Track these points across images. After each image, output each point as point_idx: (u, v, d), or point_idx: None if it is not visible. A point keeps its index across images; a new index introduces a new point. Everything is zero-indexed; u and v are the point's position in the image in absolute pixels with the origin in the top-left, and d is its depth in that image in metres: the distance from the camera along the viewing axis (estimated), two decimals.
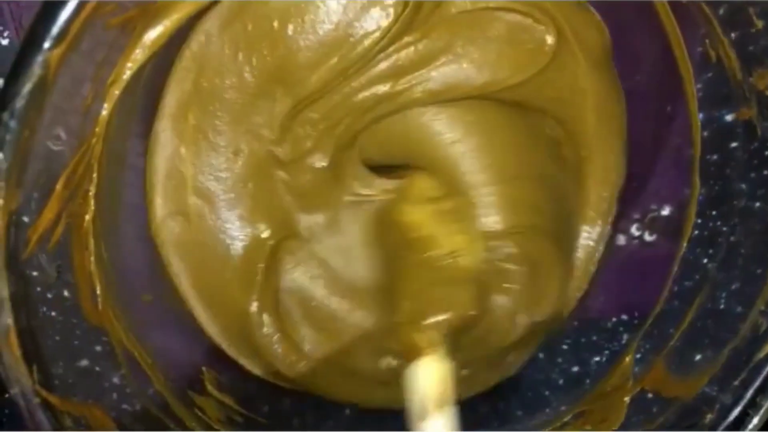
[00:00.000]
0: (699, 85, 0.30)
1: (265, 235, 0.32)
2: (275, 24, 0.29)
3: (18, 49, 0.20)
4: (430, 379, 0.27)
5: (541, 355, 0.35)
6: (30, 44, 0.19)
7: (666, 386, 0.31)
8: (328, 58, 0.29)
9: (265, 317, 0.32)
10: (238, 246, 0.32)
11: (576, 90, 0.32)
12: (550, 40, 0.30)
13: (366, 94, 0.30)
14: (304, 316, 0.33)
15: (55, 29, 0.19)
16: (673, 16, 0.28)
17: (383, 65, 0.30)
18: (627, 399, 0.32)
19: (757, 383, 0.28)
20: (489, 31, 0.30)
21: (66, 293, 0.26)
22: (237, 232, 0.32)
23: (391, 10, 0.29)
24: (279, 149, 0.31)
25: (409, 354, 0.28)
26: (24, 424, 0.24)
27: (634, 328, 0.33)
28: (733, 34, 0.26)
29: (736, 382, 0.28)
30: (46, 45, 0.19)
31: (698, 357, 0.30)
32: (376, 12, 0.29)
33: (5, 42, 0.35)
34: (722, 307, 0.30)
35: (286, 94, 0.30)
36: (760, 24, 0.25)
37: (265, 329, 0.32)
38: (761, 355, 0.27)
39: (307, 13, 0.29)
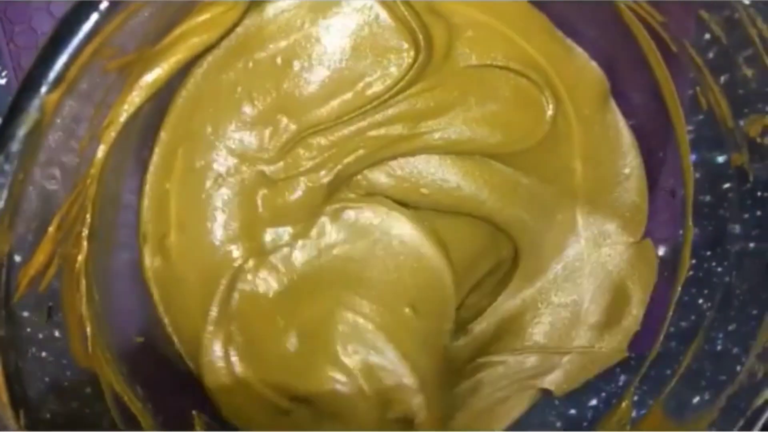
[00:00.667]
0: (691, 127, 0.30)
1: (236, 255, 0.32)
2: (278, 60, 0.29)
3: (15, 90, 0.19)
4: None
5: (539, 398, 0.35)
6: (27, 88, 0.19)
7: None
8: (340, 93, 0.30)
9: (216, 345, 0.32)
10: (206, 273, 0.32)
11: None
12: (549, 110, 0.31)
13: (382, 131, 0.31)
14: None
15: (52, 74, 0.19)
16: (664, 64, 0.29)
17: (401, 107, 0.31)
18: None
19: (755, 430, 0.27)
20: (498, 91, 0.31)
21: (56, 334, 0.25)
22: (208, 259, 0.32)
23: (405, 55, 0.30)
24: (271, 168, 0.31)
25: None
26: None
27: (631, 369, 0.33)
28: (722, 79, 0.26)
29: (735, 430, 0.28)
30: (43, 89, 0.19)
31: (696, 401, 0.29)
32: (391, 55, 0.30)
33: (3, 81, 0.35)
34: (719, 348, 0.29)
35: (292, 121, 0.30)
36: (749, 72, 0.25)
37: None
38: (759, 401, 0.27)
39: (314, 52, 0.30)
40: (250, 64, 0.30)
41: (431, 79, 0.31)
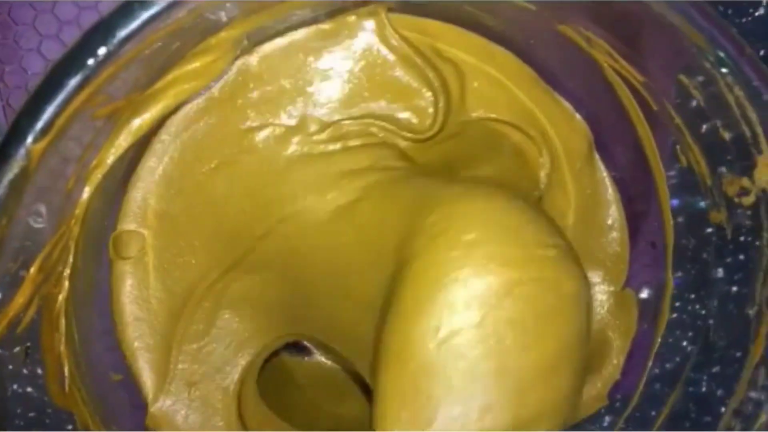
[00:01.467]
0: (673, 173, 0.30)
1: (213, 275, 0.31)
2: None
3: (2, 136, 0.20)
4: None
5: None
6: (13, 137, 0.20)
7: None
8: None
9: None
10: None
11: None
12: (547, 167, 0.32)
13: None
14: None
15: (40, 124, 0.20)
16: (645, 120, 0.29)
17: (432, 154, 0.31)
18: None
19: None
20: (502, 146, 0.32)
21: (38, 372, 0.25)
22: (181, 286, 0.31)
23: (424, 96, 0.31)
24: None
25: None
26: None
27: (616, 411, 0.33)
28: (701, 139, 0.27)
29: None
30: (30, 138, 0.19)
31: None
32: (408, 98, 0.31)
33: None
34: (704, 390, 0.30)
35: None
36: (726, 135, 0.26)
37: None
38: None
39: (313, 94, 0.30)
40: (255, 93, 0.30)
41: (454, 126, 0.31)
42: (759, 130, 0.25)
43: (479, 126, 0.32)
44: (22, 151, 0.20)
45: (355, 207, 0.30)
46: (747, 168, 0.26)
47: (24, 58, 0.35)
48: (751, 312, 0.28)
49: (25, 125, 0.20)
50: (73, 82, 0.19)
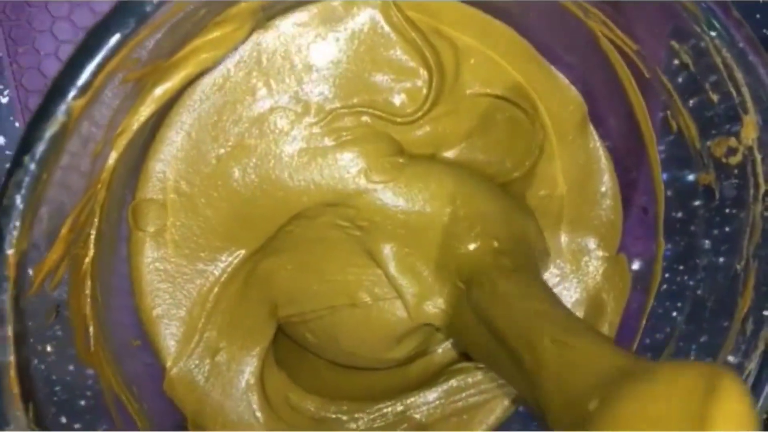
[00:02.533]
0: (662, 147, 0.32)
1: (238, 257, 0.33)
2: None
3: (44, 94, 0.21)
4: None
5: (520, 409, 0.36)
6: (55, 92, 0.21)
7: None
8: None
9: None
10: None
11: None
12: (539, 138, 0.34)
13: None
14: None
15: (81, 80, 0.21)
16: (638, 89, 0.31)
17: (425, 129, 0.33)
18: None
19: None
20: (497, 120, 0.33)
21: (62, 332, 0.26)
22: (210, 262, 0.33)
23: (419, 74, 0.32)
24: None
25: None
26: None
27: None
28: (691, 103, 0.29)
29: None
30: (72, 94, 0.21)
31: None
32: (404, 75, 0.32)
33: (4, 100, 0.36)
34: (692, 359, 0.31)
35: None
36: (714, 97, 0.28)
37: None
38: None
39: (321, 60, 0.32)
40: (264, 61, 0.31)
41: (448, 104, 0.32)
42: (745, 90, 0.26)
43: (473, 102, 0.33)
44: (63, 106, 0.21)
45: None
46: (734, 128, 0.28)
47: (36, 39, 0.36)
48: (739, 267, 0.30)
49: (66, 82, 0.21)
50: (113, 40, 0.20)
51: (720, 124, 0.28)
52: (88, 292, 0.28)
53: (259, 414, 0.33)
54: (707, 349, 0.30)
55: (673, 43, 0.27)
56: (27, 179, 0.21)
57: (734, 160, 0.29)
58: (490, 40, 0.33)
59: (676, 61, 0.28)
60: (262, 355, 0.33)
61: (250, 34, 0.29)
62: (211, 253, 0.32)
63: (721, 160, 0.29)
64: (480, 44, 0.33)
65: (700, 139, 0.30)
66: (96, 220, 0.28)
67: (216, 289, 0.32)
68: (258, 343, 0.33)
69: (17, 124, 0.36)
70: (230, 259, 0.32)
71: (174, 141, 0.31)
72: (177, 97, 0.30)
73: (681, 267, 0.32)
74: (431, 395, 0.34)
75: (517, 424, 0.36)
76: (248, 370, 0.33)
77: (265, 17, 0.29)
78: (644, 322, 0.33)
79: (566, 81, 0.34)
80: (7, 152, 0.36)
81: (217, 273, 0.32)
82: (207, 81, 0.30)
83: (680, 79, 0.28)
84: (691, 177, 0.31)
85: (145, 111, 0.27)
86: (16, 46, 0.36)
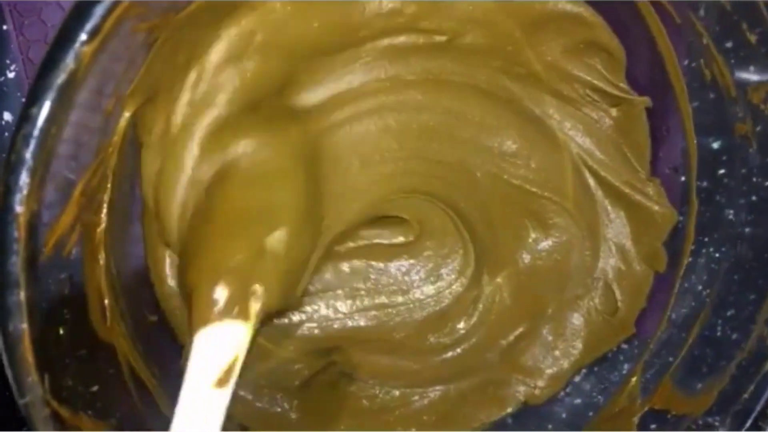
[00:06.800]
0: (696, 104, 0.30)
1: None
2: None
3: (51, 41, 0.20)
4: (220, 349, 0.24)
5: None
6: (63, 38, 0.20)
7: (674, 404, 0.31)
8: None
9: None
10: None
11: None
12: None
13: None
14: None
15: (89, 25, 0.20)
16: (667, 36, 0.30)
17: None
18: (635, 419, 0.32)
19: (766, 394, 0.28)
20: None
21: (77, 302, 0.25)
22: None
23: None
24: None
25: (204, 311, 0.25)
26: None
27: (633, 357, 0.33)
28: (726, 46, 0.27)
29: (746, 395, 0.28)
30: (82, 38, 0.20)
31: (703, 380, 0.30)
32: None
33: (12, 75, 0.35)
34: (719, 334, 0.30)
35: None
36: (752, 39, 0.26)
37: None
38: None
39: None
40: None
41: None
42: None
43: None
44: (72, 53, 0.20)
45: None
46: None
47: (43, 10, 0.35)
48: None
49: (74, 26, 0.20)
50: None
51: (758, 68, 0.27)
52: (102, 263, 0.27)
53: None
54: (735, 323, 0.29)
55: None
56: (35, 132, 0.20)
57: None
58: None
59: (712, 3, 0.27)
60: None
61: None
62: None
63: (759, 106, 0.28)
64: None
65: (736, 87, 0.28)
66: (109, 185, 0.26)
67: None
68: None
69: (24, 100, 0.35)
70: None
71: None
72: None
73: (706, 239, 0.31)
74: None
75: (517, 423, 0.35)
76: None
77: None
78: (672, 297, 0.32)
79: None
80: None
81: None
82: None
83: (715, 22, 0.27)
84: (716, 145, 0.30)
85: (156, 70, 0.25)
86: (21, 18, 0.35)
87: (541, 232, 0.33)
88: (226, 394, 0.23)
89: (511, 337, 0.34)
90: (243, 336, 0.24)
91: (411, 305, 0.34)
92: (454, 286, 0.34)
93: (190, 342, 0.24)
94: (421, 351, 0.34)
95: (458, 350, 0.34)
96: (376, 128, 0.31)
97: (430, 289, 0.34)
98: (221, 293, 0.25)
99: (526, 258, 0.33)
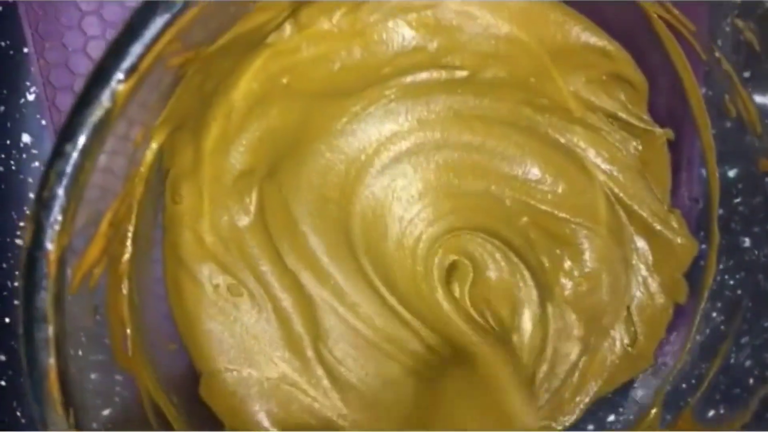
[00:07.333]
0: (715, 132, 0.30)
1: None
2: None
3: (87, 78, 0.20)
4: None
5: None
6: (100, 76, 0.20)
7: None
8: None
9: None
10: None
11: None
12: None
13: None
14: None
15: (126, 63, 0.20)
16: (691, 70, 0.30)
17: None
18: None
19: None
20: None
21: (101, 334, 0.25)
22: None
23: None
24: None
25: None
26: None
27: (652, 388, 0.33)
28: (748, 82, 0.27)
29: None
30: (119, 77, 0.19)
31: (724, 412, 0.30)
32: None
33: (31, 98, 0.35)
34: (737, 365, 0.30)
35: None
36: None
37: None
38: None
39: None
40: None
41: None
42: None
43: None
44: (107, 92, 0.20)
45: None
46: None
47: (65, 35, 0.35)
48: None
49: (111, 65, 0.20)
50: (161, 21, 0.19)
51: None
52: (125, 293, 0.27)
53: None
54: (749, 351, 0.29)
55: (737, 20, 0.26)
56: (69, 169, 0.20)
57: None
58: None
59: (738, 39, 0.27)
60: None
61: (287, 18, 0.27)
62: None
63: None
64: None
65: (761, 122, 0.28)
66: (134, 217, 0.26)
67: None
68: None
69: (44, 122, 0.35)
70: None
71: None
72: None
73: (721, 266, 0.31)
74: None
75: None
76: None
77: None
78: (694, 326, 0.32)
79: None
80: (33, 151, 0.35)
81: None
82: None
83: (741, 58, 0.27)
84: (731, 173, 0.30)
85: (186, 101, 0.25)
86: (43, 42, 0.34)
87: (576, 257, 0.33)
88: None
89: (562, 376, 0.33)
90: None
91: None
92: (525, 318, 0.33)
93: None
94: None
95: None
96: (395, 181, 0.32)
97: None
98: None
99: (568, 285, 0.33)
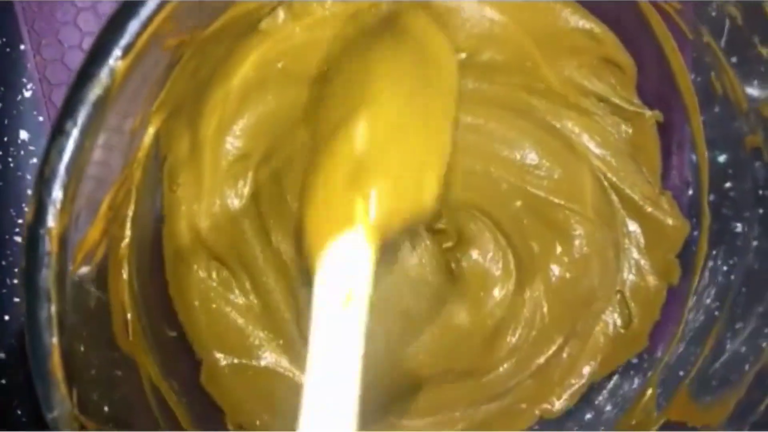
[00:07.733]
0: (704, 117, 0.31)
1: None
2: None
3: (85, 55, 0.20)
4: (345, 267, 0.22)
5: None
6: (99, 53, 0.20)
7: (691, 416, 0.31)
8: None
9: None
10: None
11: None
12: None
13: None
14: None
15: (124, 41, 0.20)
16: (679, 51, 0.30)
17: None
18: None
19: None
20: None
21: (101, 319, 0.25)
22: None
23: None
24: None
25: (328, 225, 0.23)
26: None
27: (647, 370, 0.34)
28: (736, 60, 0.28)
29: (763, 406, 0.28)
30: (117, 53, 0.20)
31: (718, 392, 0.30)
32: None
33: (28, 94, 0.35)
34: (730, 347, 0.30)
35: None
36: (765, 52, 0.27)
37: None
38: None
39: None
40: None
41: None
42: None
43: None
44: (106, 69, 0.20)
45: None
46: None
47: (60, 31, 0.35)
48: None
49: (109, 42, 0.20)
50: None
51: None
52: (125, 277, 0.27)
53: None
54: (743, 337, 0.29)
55: None
56: (70, 146, 0.20)
57: None
58: None
59: (723, 18, 0.27)
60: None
61: (280, 3, 0.28)
62: None
63: None
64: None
65: (747, 100, 0.29)
66: (132, 202, 0.27)
67: None
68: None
69: (41, 119, 0.35)
70: None
71: None
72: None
73: (714, 252, 0.32)
74: None
75: None
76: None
77: None
78: (684, 310, 0.33)
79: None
80: (31, 147, 0.35)
81: None
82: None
83: (726, 36, 0.28)
84: (721, 158, 0.31)
85: (182, 87, 0.26)
86: (39, 39, 0.35)
87: (566, 243, 0.33)
88: (357, 312, 0.22)
89: (545, 357, 0.33)
90: (366, 250, 0.22)
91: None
92: (498, 299, 0.33)
93: (314, 270, 0.22)
94: (461, 375, 0.33)
95: (498, 371, 0.33)
96: None
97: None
98: (335, 211, 0.23)
99: (556, 270, 0.33)
